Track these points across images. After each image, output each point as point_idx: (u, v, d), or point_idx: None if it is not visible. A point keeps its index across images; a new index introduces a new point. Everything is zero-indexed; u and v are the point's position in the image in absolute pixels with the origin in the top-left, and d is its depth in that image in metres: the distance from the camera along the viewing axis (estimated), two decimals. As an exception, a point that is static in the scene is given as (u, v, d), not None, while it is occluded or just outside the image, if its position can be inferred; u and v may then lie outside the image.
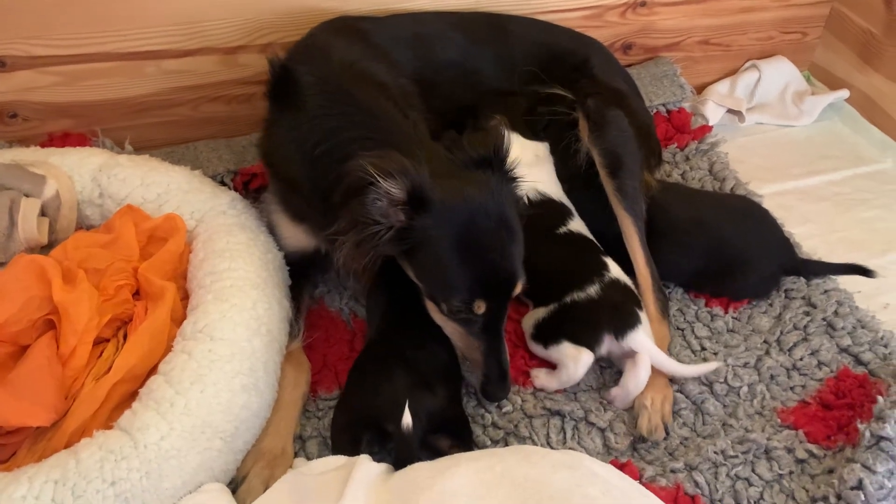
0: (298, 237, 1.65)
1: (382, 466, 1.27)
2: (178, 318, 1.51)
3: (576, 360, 1.54)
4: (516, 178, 1.47)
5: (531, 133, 1.85)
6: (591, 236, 1.74)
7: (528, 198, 1.70)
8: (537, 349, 1.65)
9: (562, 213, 1.75)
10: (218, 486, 1.32)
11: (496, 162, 1.43)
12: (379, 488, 1.20)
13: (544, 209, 1.72)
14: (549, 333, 1.61)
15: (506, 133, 1.48)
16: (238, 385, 1.37)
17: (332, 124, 1.50)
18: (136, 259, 1.58)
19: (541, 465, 1.18)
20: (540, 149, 1.83)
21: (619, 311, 1.57)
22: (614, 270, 1.65)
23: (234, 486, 1.39)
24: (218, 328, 1.40)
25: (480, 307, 1.38)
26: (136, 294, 1.58)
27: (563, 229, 1.72)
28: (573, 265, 1.63)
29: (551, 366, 1.63)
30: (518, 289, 1.43)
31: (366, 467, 1.23)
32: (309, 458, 1.49)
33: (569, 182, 1.82)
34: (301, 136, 1.53)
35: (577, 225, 1.75)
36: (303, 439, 1.52)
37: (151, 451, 1.25)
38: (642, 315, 1.59)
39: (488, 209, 1.37)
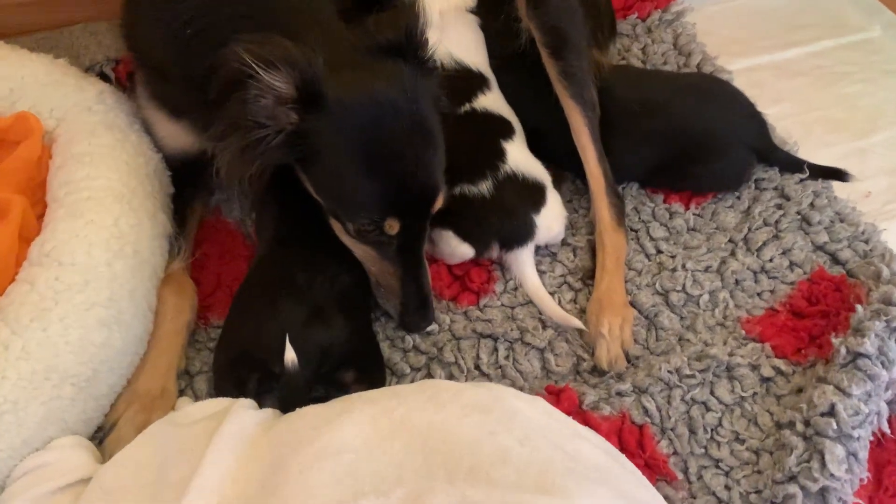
0: (178, 136, 1.39)
1: (265, 413, 1.06)
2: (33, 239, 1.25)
3: (454, 251, 1.40)
4: (435, 67, 1.22)
5: None
6: (502, 113, 1.49)
7: (442, 64, 1.42)
8: None
9: (472, 87, 1.49)
10: (72, 440, 1.11)
11: (410, 48, 1.16)
12: (257, 441, 0.99)
13: (454, 80, 1.44)
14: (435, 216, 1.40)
15: (422, 11, 1.20)
16: (93, 319, 1.14)
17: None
18: (-22, 169, 1.32)
19: (449, 408, 0.97)
20: None
21: (510, 218, 1.38)
22: (513, 160, 1.41)
23: (104, 434, 1.19)
24: (67, 251, 1.16)
25: (393, 227, 1.16)
26: (-15, 212, 1.33)
27: (465, 107, 1.46)
28: (466, 153, 1.36)
29: None
30: (438, 203, 1.20)
31: (240, 417, 1.01)
32: (198, 397, 1.28)
33: (500, 66, 1.55)
34: (168, 15, 1.25)
35: (488, 101, 1.48)
36: (190, 375, 1.31)
37: (-22, 406, 1.03)
38: (538, 219, 1.39)
39: (399, 107, 1.13)
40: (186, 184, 1.44)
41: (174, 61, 1.27)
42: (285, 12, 1.20)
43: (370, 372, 1.22)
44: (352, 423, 0.96)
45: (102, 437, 1.18)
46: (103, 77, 1.64)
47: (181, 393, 1.28)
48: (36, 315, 1.09)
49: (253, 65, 1.02)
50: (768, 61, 1.98)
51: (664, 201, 1.56)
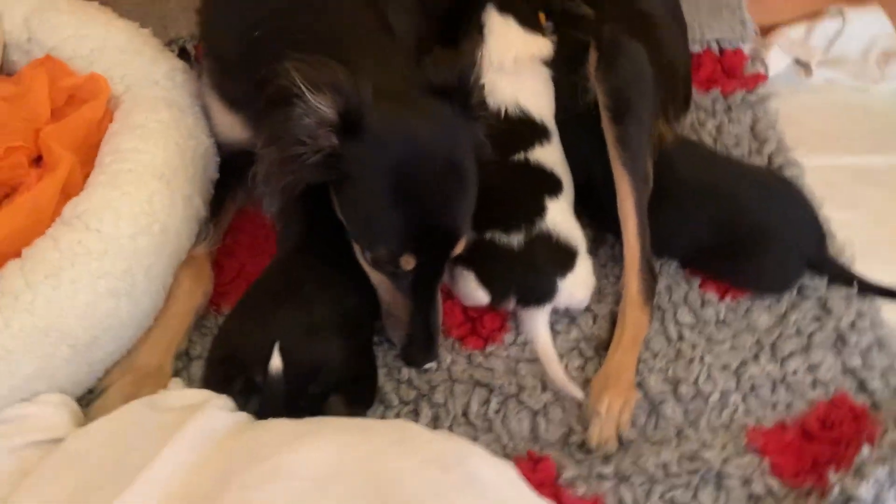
0: (234, 127, 1.42)
1: (239, 416, 1.08)
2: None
3: (470, 294, 1.37)
4: (480, 115, 1.22)
5: (537, 24, 1.55)
6: (555, 169, 1.46)
7: (506, 111, 1.44)
8: None
9: (531, 138, 1.46)
10: (58, 398, 1.15)
11: (459, 93, 1.17)
12: (221, 444, 1.00)
13: (513, 129, 1.44)
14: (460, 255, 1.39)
15: (479, 60, 1.21)
16: (104, 288, 1.17)
17: (275, 4, 1.27)
18: (43, 120, 1.38)
19: (411, 458, 0.96)
20: (543, 46, 1.53)
21: (534, 276, 1.36)
22: (552, 218, 1.39)
23: (93, 398, 1.23)
24: (96, 217, 1.20)
25: (409, 263, 1.16)
26: (40, 161, 1.39)
27: (519, 156, 1.44)
28: (507, 201, 1.37)
29: None
30: (459, 248, 1.20)
31: (210, 416, 1.03)
32: (192, 381, 1.31)
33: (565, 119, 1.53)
34: (241, 14, 1.31)
35: (544, 154, 1.46)
36: (190, 357, 1.34)
37: (-26, 350, 1.07)
38: (562, 283, 1.36)
39: (436, 148, 1.14)
40: (232, 173, 1.47)
41: (238, 59, 1.31)
42: (349, 32, 1.23)
43: (358, 397, 1.22)
44: (315, 448, 0.96)
45: (91, 401, 1.22)
46: (183, 52, 1.69)
47: (176, 373, 1.30)
48: (51, 273, 1.14)
49: (301, 85, 1.04)
50: (850, 163, 1.87)
51: (700, 286, 1.51)
